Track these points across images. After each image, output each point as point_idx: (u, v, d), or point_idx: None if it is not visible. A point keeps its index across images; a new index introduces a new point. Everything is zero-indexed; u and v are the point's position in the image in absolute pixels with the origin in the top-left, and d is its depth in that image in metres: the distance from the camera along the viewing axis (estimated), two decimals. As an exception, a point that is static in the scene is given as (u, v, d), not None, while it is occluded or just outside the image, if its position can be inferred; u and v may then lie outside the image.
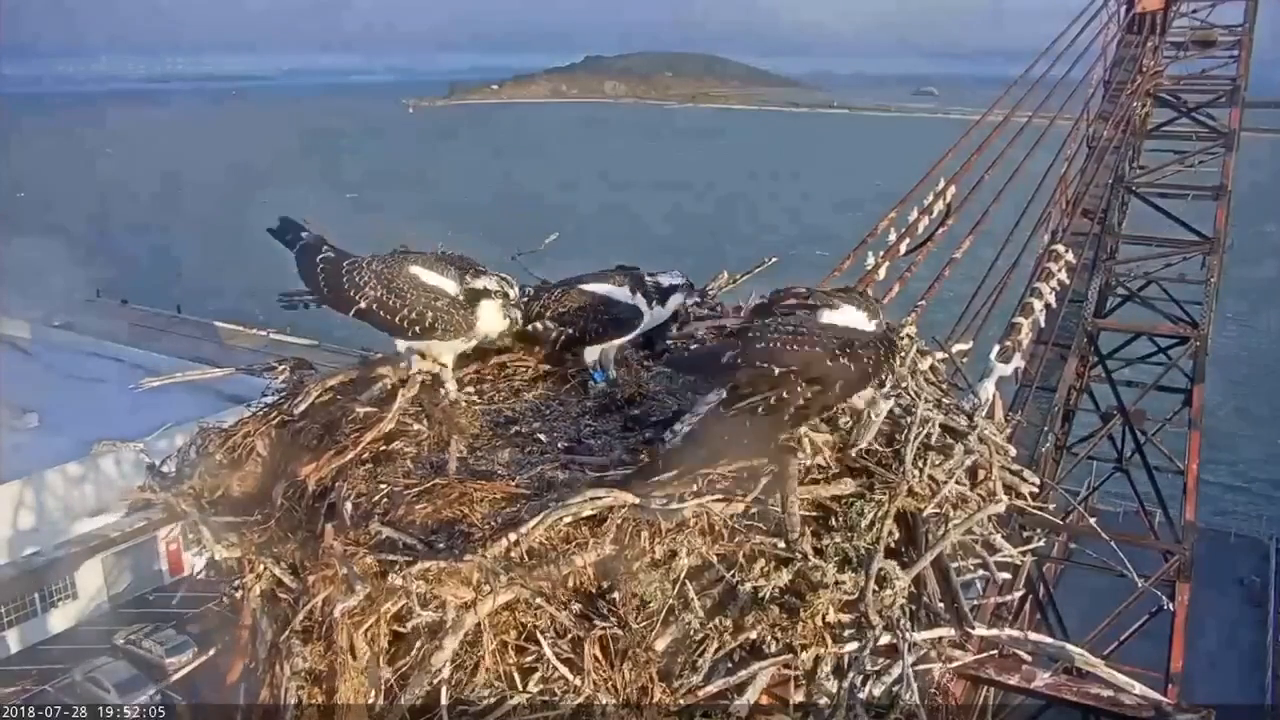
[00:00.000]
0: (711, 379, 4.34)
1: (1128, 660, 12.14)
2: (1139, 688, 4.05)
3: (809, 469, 4.19)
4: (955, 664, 4.06)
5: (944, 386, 5.29)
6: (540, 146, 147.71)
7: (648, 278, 5.39)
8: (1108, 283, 18.79)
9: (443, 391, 4.99)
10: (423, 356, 5.05)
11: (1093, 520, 13.53)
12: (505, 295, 4.95)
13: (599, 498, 3.85)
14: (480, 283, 4.93)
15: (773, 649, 3.78)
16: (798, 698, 3.89)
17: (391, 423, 4.68)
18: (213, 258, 68.59)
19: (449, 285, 4.91)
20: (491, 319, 4.95)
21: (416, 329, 4.86)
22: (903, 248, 9.99)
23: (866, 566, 3.89)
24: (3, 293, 39.52)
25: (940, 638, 4.01)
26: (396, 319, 4.86)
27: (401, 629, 3.93)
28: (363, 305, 4.88)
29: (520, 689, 3.77)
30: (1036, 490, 4.81)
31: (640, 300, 5.32)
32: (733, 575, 3.83)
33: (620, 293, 5.32)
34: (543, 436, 4.70)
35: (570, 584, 3.82)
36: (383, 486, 4.27)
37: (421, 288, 4.87)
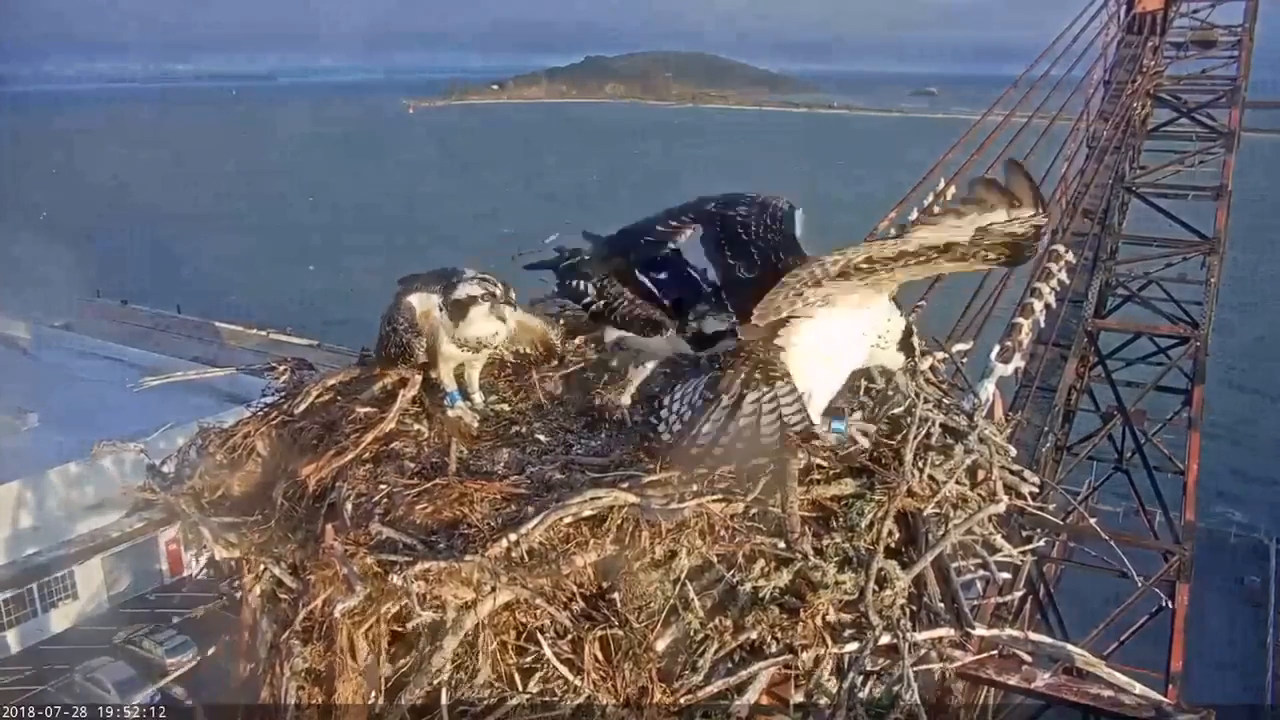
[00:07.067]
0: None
1: (1128, 660, 12.13)
2: (1139, 688, 4.05)
3: (809, 469, 4.19)
4: (955, 664, 4.06)
5: (944, 386, 5.28)
6: (541, 145, 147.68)
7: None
8: (1108, 283, 18.80)
9: (468, 403, 4.91)
10: (459, 380, 4.93)
11: (1093, 520, 13.53)
12: (492, 297, 4.68)
13: (599, 498, 3.85)
14: (463, 290, 4.67)
15: (773, 649, 3.78)
16: (798, 698, 3.88)
17: (392, 423, 4.67)
18: (214, 257, 68.55)
19: (433, 303, 4.75)
20: (482, 325, 4.70)
21: (397, 361, 4.83)
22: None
23: (866, 567, 3.89)
24: (3, 293, 39.47)
25: (940, 638, 4.00)
26: (389, 352, 4.82)
27: (401, 629, 3.94)
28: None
29: (520, 689, 3.77)
30: (1037, 490, 4.80)
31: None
32: (733, 575, 3.83)
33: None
34: (543, 436, 4.69)
35: (570, 584, 3.81)
36: (383, 487, 4.26)
37: (408, 314, 4.76)
